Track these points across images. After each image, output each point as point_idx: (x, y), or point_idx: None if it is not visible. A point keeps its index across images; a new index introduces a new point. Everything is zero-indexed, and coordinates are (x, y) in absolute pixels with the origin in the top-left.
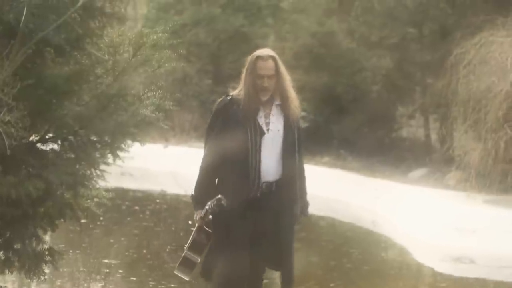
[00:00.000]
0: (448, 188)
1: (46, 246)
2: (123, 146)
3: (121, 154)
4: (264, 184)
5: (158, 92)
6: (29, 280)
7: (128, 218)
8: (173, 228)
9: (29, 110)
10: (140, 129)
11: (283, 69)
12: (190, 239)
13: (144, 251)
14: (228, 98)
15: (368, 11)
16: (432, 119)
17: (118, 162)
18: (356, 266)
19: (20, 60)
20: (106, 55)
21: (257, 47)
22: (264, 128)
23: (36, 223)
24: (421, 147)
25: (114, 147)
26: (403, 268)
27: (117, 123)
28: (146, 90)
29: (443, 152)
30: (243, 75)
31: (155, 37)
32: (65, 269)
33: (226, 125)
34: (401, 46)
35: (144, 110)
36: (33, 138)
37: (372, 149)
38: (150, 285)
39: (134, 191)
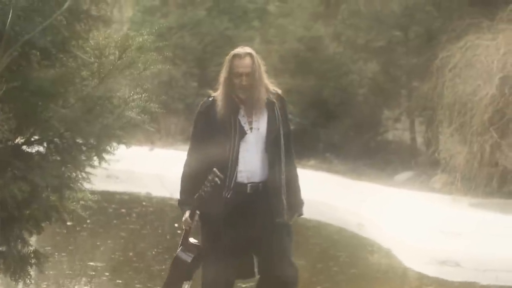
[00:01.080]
0: (434, 191)
1: (31, 249)
2: (108, 148)
3: (106, 156)
4: (249, 185)
5: (144, 95)
6: (14, 283)
7: (115, 221)
8: (159, 231)
9: (15, 113)
10: (126, 132)
11: (258, 66)
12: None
13: (131, 254)
14: (210, 99)
15: (354, 15)
16: (418, 122)
17: (104, 164)
18: (343, 270)
19: (6, 63)
20: (92, 58)
21: None
22: (247, 127)
23: (22, 226)
24: (407, 150)
25: (99, 149)
26: (389, 271)
27: (102, 126)
28: (132, 92)
29: (429, 155)
30: (221, 75)
31: (140, 39)
32: (51, 272)
33: (208, 127)
34: (387, 50)
35: (130, 112)
36: (19, 140)
37: (358, 152)
38: None
39: (120, 193)
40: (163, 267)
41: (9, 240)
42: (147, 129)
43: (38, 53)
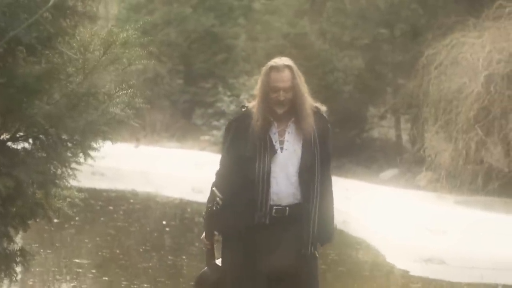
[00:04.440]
0: (419, 188)
1: (17, 247)
2: (94, 145)
3: (92, 153)
4: (274, 208)
5: (129, 90)
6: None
7: (102, 218)
8: (147, 229)
9: (0, 109)
10: (111, 128)
11: (300, 80)
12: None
13: (117, 251)
14: (243, 110)
15: (340, 12)
16: (403, 120)
17: (89, 161)
18: (330, 268)
19: None
20: (77, 54)
21: (228, 47)
22: (277, 146)
23: (7, 222)
24: (392, 147)
25: (85, 146)
26: (375, 269)
27: (87, 122)
28: (117, 88)
29: (414, 153)
30: (257, 86)
31: (125, 35)
32: (38, 269)
33: (236, 141)
34: (372, 47)
35: (115, 108)
36: (4, 136)
37: (344, 149)
38: (123, 285)
39: (107, 191)
40: (150, 264)
41: None
42: (132, 125)
43: (24, 49)
